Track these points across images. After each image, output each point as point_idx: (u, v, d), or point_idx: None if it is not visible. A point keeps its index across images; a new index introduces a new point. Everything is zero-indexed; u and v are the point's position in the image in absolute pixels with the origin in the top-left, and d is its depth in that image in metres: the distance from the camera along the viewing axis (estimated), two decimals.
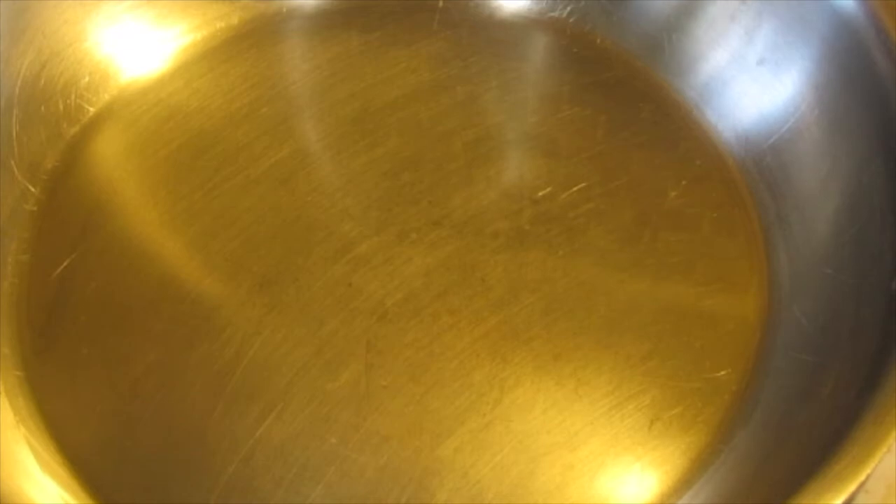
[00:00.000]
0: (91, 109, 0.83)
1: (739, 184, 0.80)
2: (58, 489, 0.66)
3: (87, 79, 0.82)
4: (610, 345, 0.72)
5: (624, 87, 0.86)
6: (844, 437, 0.58)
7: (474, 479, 0.66)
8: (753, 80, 0.82)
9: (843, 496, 0.55)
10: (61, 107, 0.81)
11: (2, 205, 0.76)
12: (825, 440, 0.59)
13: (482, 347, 0.71)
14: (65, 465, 0.67)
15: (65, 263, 0.75)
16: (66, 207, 0.79)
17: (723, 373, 0.71)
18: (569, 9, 0.89)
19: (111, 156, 0.82)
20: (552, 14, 0.89)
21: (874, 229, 0.71)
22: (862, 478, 0.55)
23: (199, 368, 0.70)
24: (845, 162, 0.75)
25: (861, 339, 0.67)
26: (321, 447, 0.67)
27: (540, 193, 0.79)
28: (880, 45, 0.73)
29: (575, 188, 0.79)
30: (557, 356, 0.71)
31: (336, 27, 0.88)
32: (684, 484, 0.66)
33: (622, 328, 0.72)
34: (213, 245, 0.76)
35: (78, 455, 0.68)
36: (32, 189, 0.79)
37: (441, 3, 0.90)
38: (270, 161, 0.81)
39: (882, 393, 0.60)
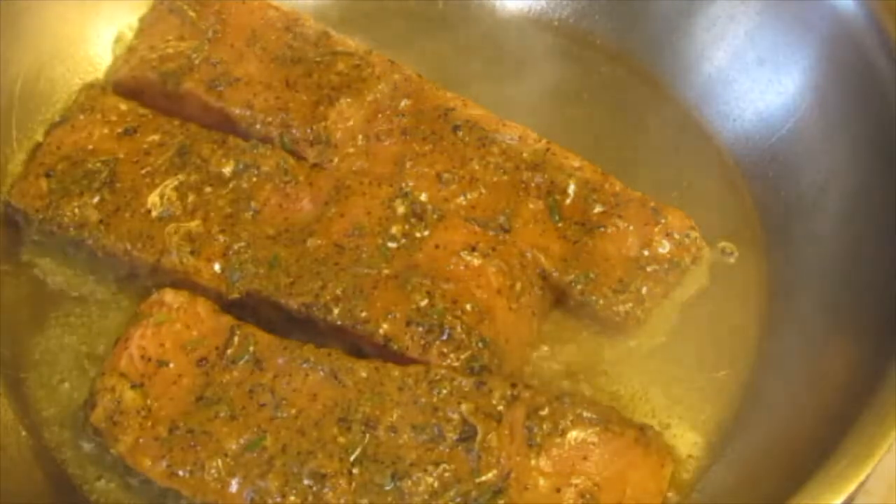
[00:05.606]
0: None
1: (739, 184, 0.80)
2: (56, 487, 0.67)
3: (87, 79, 0.82)
4: (610, 344, 0.72)
5: (624, 87, 0.86)
6: (844, 437, 0.58)
7: None
8: (753, 81, 0.82)
9: (843, 496, 0.55)
10: (61, 107, 0.81)
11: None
12: (825, 440, 0.59)
13: None
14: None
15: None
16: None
17: (723, 373, 0.71)
18: (569, 9, 0.89)
19: None
20: (552, 14, 0.89)
21: (874, 230, 0.71)
22: (862, 478, 0.55)
23: None
24: (845, 162, 0.75)
25: (861, 340, 0.67)
26: None
27: None
28: (880, 45, 0.73)
29: None
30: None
31: (336, 27, 0.88)
32: (685, 483, 0.66)
33: (622, 328, 0.72)
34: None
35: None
36: None
37: (441, 4, 0.90)
38: None
39: (882, 393, 0.60)
